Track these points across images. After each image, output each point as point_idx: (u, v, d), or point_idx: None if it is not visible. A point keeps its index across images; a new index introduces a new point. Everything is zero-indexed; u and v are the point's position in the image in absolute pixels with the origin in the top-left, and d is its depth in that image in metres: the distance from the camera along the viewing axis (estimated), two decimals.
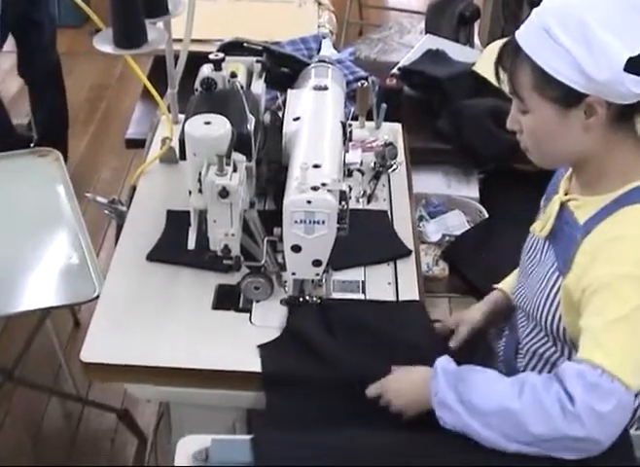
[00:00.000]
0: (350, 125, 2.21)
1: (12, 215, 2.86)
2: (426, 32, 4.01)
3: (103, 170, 4.79)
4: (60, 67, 4.41)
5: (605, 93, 1.64)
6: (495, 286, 2.25)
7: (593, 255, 1.70)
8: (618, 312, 1.64)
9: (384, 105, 2.75)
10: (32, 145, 4.39)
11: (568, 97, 1.67)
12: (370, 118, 2.81)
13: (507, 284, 2.22)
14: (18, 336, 3.16)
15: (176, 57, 2.56)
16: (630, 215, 1.70)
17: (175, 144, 2.44)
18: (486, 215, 3.13)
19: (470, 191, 3.25)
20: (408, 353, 1.97)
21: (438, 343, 2.06)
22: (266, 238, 1.98)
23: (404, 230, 2.39)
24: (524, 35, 1.71)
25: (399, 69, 3.43)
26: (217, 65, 2.12)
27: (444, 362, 1.79)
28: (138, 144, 2.99)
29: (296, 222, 1.83)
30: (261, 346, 1.96)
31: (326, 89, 2.25)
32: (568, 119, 1.70)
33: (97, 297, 2.21)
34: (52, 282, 2.61)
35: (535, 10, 1.72)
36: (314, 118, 2.11)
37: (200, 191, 1.88)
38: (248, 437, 1.64)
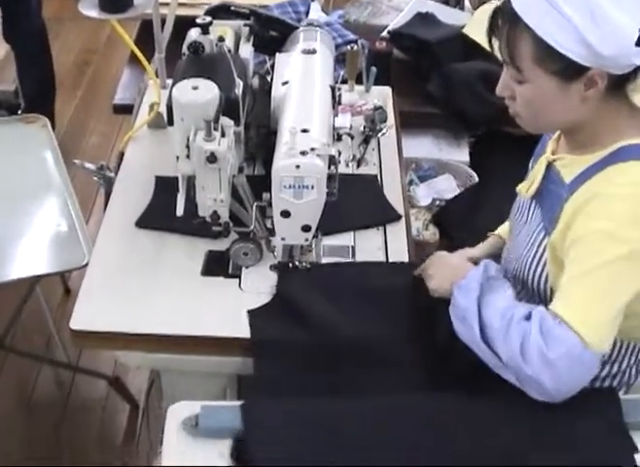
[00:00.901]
0: (339, 89, 2.19)
1: (0, 182, 2.84)
2: None
3: (91, 136, 4.76)
4: (46, 33, 4.36)
5: (608, 66, 1.62)
6: (490, 233, 2.26)
7: (575, 212, 1.71)
8: (586, 266, 1.66)
9: (374, 69, 2.74)
10: (19, 112, 4.38)
11: (569, 70, 1.64)
12: (359, 81, 2.79)
13: (503, 230, 2.23)
14: (8, 304, 3.15)
15: (163, 21, 2.54)
16: (613, 173, 1.69)
17: (163, 109, 2.42)
18: (476, 179, 3.11)
19: (460, 155, 3.22)
20: (402, 312, 1.99)
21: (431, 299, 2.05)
22: (255, 204, 1.97)
23: (393, 194, 2.39)
24: (523, 4, 1.66)
25: (388, 32, 3.40)
26: (204, 29, 2.10)
27: (489, 264, 1.86)
28: (126, 109, 2.96)
29: (285, 187, 1.82)
30: (250, 312, 1.96)
31: (314, 52, 2.23)
32: (568, 91, 1.68)
33: (87, 264, 2.19)
34: (41, 250, 2.59)
35: None
36: (303, 82, 2.09)
37: (188, 156, 1.87)
38: (238, 403, 1.64)
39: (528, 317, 1.71)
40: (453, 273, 1.90)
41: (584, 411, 1.66)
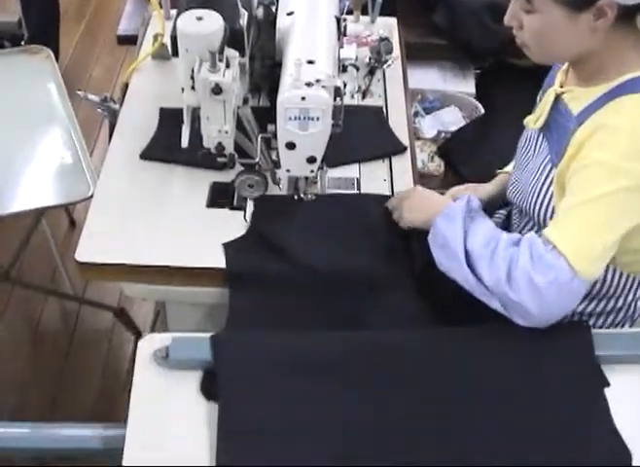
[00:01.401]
0: (345, 20, 2.17)
1: (4, 114, 2.83)
2: None
3: (95, 67, 4.74)
4: None
5: None
6: (499, 171, 2.26)
7: (581, 143, 1.71)
8: (585, 196, 1.67)
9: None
10: (23, 43, 4.34)
11: (580, 1, 1.63)
12: (365, 12, 2.76)
13: (512, 168, 2.21)
14: (14, 236, 3.16)
15: None
16: (620, 105, 1.68)
17: (167, 40, 2.40)
18: (482, 111, 3.10)
19: (466, 86, 3.20)
20: (381, 244, 2.01)
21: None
22: (260, 135, 1.96)
23: (399, 126, 2.38)
24: None
25: None
26: None
27: (473, 197, 1.87)
28: (130, 40, 2.95)
29: (290, 118, 1.81)
30: (225, 245, 1.96)
31: None
32: (577, 21, 1.66)
33: (92, 196, 2.19)
34: (45, 182, 2.59)
35: None
36: (308, 12, 2.07)
37: (193, 88, 1.86)
38: (208, 334, 1.65)
39: (515, 243, 1.73)
40: (432, 206, 1.92)
41: (554, 344, 1.68)
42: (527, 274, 1.65)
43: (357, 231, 2.03)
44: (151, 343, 1.65)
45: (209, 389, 1.58)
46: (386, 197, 2.12)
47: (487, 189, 2.21)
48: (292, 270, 1.91)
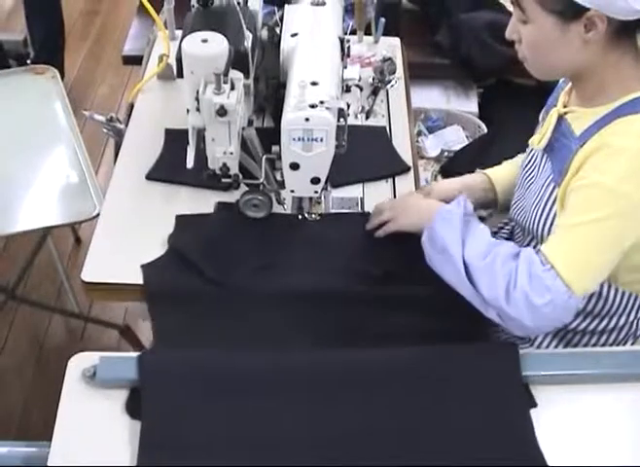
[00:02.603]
0: (348, 41, 2.18)
1: (9, 133, 2.86)
2: None
3: (101, 86, 4.76)
4: None
5: (607, 8, 1.63)
6: (479, 170, 2.27)
7: (582, 163, 1.73)
8: (583, 217, 1.69)
9: (382, 19, 2.73)
10: (29, 62, 4.37)
11: (569, 10, 1.65)
12: (368, 32, 2.78)
13: (493, 172, 2.24)
14: (20, 254, 3.18)
15: None
16: (622, 125, 1.70)
17: (172, 61, 2.42)
18: (485, 130, 3.12)
19: (469, 105, 3.23)
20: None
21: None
22: (264, 156, 1.98)
23: (402, 145, 2.40)
24: None
25: None
26: None
27: (466, 200, 1.90)
28: (135, 60, 2.97)
29: (294, 139, 1.83)
30: (143, 266, 1.96)
31: (324, 4, 2.22)
32: (568, 32, 1.69)
33: (97, 215, 2.21)
34: (51, 201, 2.62)
35: None
36: (312, 34, 2.09)
37: (198, 109, 1.88)
38: (135, 354, 1.66)
39: (514, 256, 1.75)
40: (428, 208, 1.95)
41: (481, 365, 1.68)
42: (525, 294, 1.68)
43: (305, 248, 2.06)
44: (80, 363, 1.66)
45: (134, 408, 1.59)
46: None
47: (471, 179, 2.23)
48: (212, 288, 1.92)
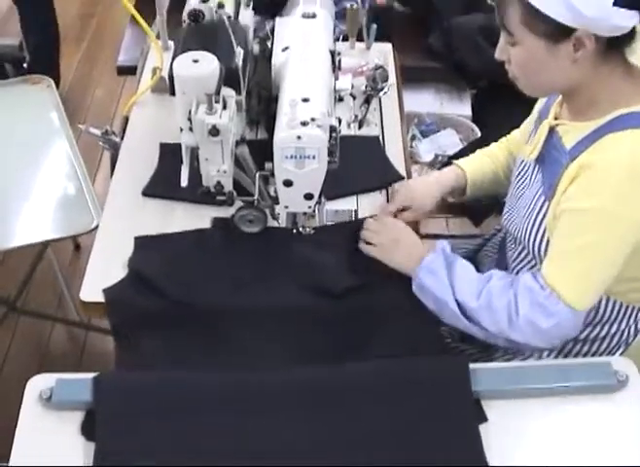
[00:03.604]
0: (339, 54, 2.19)
1: (5, 145, 2.87)
2: None
3: (96, 90, 4.77)
4: None
5: (593, 27, 1.64)
6: (454, 162, 2.29)
7: (571, 181, 1.75)
8: (578, 241, 1.74)
9: (374, 26, 2.73)
10: (25, 65, 4.38)
11: (556, 32, 1.67)
12: (360, 37, 2.79)
13: (468, 164, 2.27)
14: (20, 266, 3.19)
15: None
16: (608, 143, 1.72)
17: (165, 73, 2.44)
18: (478, 134, 3.13)
19: (462, 109, 3.24)
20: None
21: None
22: (258, 173, 1.99)
23: (395, 153, 2.41)
24: None
25: None
26: None
27: (445, 244, 1.94)
28: (130, 71, 2.98)
29: (286, 157, 1.84)
30: (105, 290, 1.97)
31: (314, 16, 2.23)
32: (557, 52, 1.70)
33: (96, 227, 2.22)
34: (49, 214, 2.63)
35: None
36: (303, 48, 2.09)
37: (191, 129, 1.89)
38: (91, 375, 1.65)
39: (508, 286, 1.82)
40: (410, 254, 1.98)
41: (431, 380, 1.67)
42: (530, 321, 1.76)
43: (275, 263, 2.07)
44: (38, 384, 1.66)
45: (89, 429, 1.59)
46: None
47: (427, 204, 2.23)
48: (175, 308, 1.93)
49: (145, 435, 1.57)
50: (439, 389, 1.65)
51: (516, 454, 1.59)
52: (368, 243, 2.04)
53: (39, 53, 4.38)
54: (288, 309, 1.95)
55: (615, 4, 1.61)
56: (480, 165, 2.26)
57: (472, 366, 1.67)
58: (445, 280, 1.86)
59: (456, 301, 1.84)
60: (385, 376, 1.68)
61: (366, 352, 1.87)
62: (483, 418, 1.63)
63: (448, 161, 3.00)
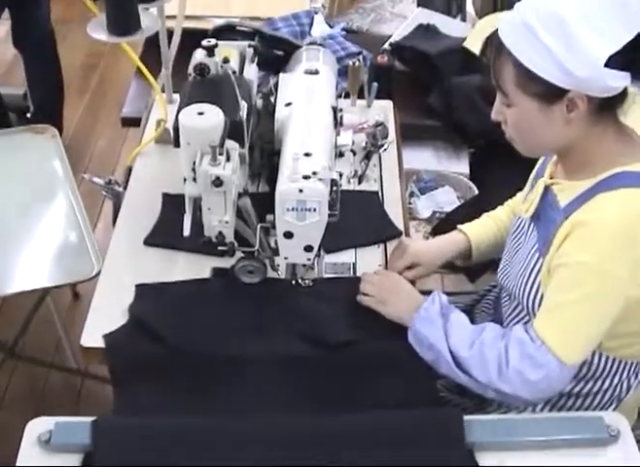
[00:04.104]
0: (341, 110, 2.24)
1: (8, 192, 2.89)
2: (418, 4, 4.02)
3: (99, 140, 4.81)
4: (55, 40, 4.40)
5: (586, 88, 1.69)
6: (459, 227, 2.33)
7: (565, 237, 1.79)
8: (569, 295, 1.77)
9: (375, 84, 2.77)
10: (29, 115, 4.43)
11: (550, 93, 1.72)
12: (361, 95, 2.83)
13: (471, 229, 2.31)
14: (18, 312, 3.20)
15: (170, 33, 2.58)
16: (602, 201, 1.76)
17: (170, 125, 2.48)
18: (476, 191, 3.16)
19: (460, 167, 3.26)
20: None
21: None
22: (259, 225, 2.03)
23: (394, 209, 2.45)
24: (506, 31, 1.75)
25: (390, 45, 3.45)
26: (210, 51, 2.15)
27: (439, 292, 1.98)
28: (134, 122, 3.01)
29: (288, 209, 1.87)
30: (105, 336, 1.99)
31: (317, 72, 2.27)
32: (550, 113, 1.75)
33: (97, 274, 2.24)
34: (50, 261, 2.65)
35: (517, 5, 1.75)
36: (305, 104, 2.14)
37: (195, 179, 1.92)
38: (90, 419, 1.66)
39: (500, 337, 1.85)
40: (407, 303, 2.02)
41: (425, 431, 1.67)
42: (519, 373, 1.78)
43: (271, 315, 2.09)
44: (36, 427, 1.67)
45: None
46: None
47: (436, 262, 2.29)
48: (173, 356, 1.95)
49: None
50: (433, 440, 1.66)
51: None
52: (365, 295, 2.07)
53: (43, 104, 4.44)
54: (284, 359, 1.97)
55: (607, 65, 1.66)
56: (485, 230, 2.30)
57: (466, 417, 1.68)
58: (440, 328, 1.89)
59: (450, 350, 1.86)
60: (379, 427, 1.69)
61: (359, 404, 1.90)
62: None
63: (446, 218, 3.06)
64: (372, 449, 1.65)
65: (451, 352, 1.86)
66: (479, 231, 2.30)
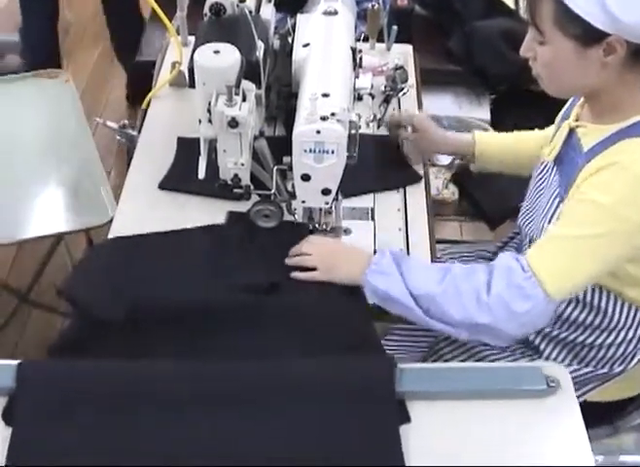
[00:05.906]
0: (360, 51, 2.19)
1: (22, 140, 2.86)
2: None
3: (114, 86, 4.77)
4: None
5: (628, 33, 1.63)
6: (475, 131, 2.33)
7: (585, 180, 1.74)
8: (575, 231, 1.72)
9: (395, 27, 2.73)
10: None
11: (589, 35, 1.65)
12: (380, 39, 2.78)
13: (483, 136, 2.32)
14: (32, 259, 3.19)
15: None
16: (627, 147, 1.71)
17: (185, 68, 2.43)
18: None
19: (481, 112, 3.23)
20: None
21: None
22: (275, 167, 1.98)
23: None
24: None
25: None
26: None
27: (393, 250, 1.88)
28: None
29: (305, 151, 1.83)
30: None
31: (336, 13, 2.22)
32: (586, 55, 1.69)
33: (110, 221, 2.21)
34: (64, 207, 2.62)
35: None
36: (324, 44, 2.09)
37: (210, 121, 1.88)
38: (16, 361, 1.61)
39: (472, 270, 1.78)
40: (354, 262, 1.90)
41: (356, 378, 1.61)
42: (503, 302, 1.71)
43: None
44: None
45: (10, 415, 1.56)
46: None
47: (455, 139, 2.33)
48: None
49: (64, 423, 1.54)
50: (362, 388, 1.59)
51: (437, 456, 1.53)
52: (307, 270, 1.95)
53: (39, 42, 4.29)
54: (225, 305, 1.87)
55: None
56: (496, 140, 2.31)
57: (399, 366, 1.61)
58: (398, 277, 1.79)
59: (413, 295, 1.77)
60: (308, 374, 1.62)
61: (295, 350, 1.79)
62: (406, 419, 1.57)
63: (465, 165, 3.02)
64: (300, 395, 1.58)
65: (417, 297, 1.77)
66: (489, 140, 2.30)
